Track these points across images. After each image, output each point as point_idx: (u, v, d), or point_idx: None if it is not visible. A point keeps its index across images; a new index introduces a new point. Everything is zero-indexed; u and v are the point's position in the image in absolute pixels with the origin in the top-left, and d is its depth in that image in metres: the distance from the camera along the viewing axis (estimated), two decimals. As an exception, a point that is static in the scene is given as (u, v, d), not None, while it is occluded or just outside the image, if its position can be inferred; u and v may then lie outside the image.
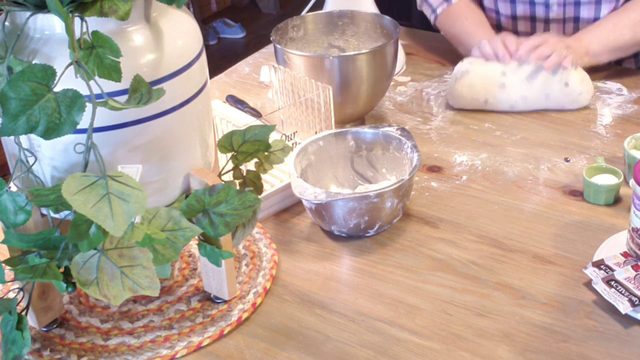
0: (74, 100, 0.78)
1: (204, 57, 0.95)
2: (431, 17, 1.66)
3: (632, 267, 1.01)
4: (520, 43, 1.42)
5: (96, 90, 0.80)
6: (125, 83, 0.82)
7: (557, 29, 1.59)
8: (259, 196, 0.99)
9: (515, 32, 1.63)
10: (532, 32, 1.62)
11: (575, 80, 1.41)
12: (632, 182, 1.02)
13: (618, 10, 1.51)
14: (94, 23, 0.81)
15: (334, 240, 1.16)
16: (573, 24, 1.57)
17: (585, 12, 1.55)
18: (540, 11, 1.58)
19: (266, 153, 1.04)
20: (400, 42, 1.57)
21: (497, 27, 1.65)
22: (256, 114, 1.47)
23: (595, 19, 1.55)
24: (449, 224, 1.17)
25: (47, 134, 0.77)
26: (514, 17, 1.62)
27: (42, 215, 0.95)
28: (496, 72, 1.42)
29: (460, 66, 1.45)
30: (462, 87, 1.44)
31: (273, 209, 1.22)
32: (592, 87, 1.44)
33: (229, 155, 1.02)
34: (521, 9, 1.60)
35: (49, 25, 0.83)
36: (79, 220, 0.79)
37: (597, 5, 1.54)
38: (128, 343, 0.99)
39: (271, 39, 1.41)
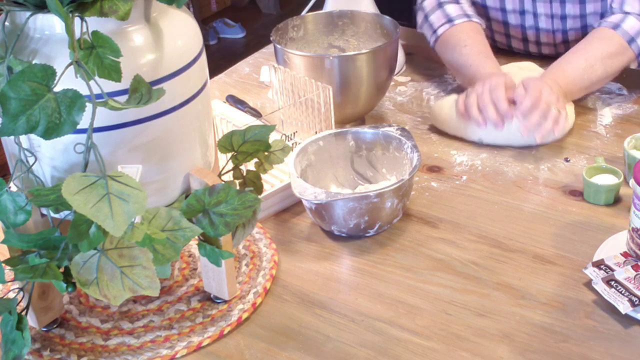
0: (74, 100, 0.78)
1: (204, 57, 0.95)
2: (431, 40, 1.58)
3: (632, 267, 1.01)
4: (503, 99, 1.32)
5: (96, 90, 0.80)
6: (125, 83, 0.82)
7: (547, 37, 1.58)
8: (259, 196, 0.99)
9: (507, 36, 1.63)
10: (522, 39, 1.62)
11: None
12: (632, 182, 1.02)
13: (584, 43, 1.45)
14: (94, 23, 0.81)
15: (334, 240, 1.16)
16: (562, 34, 1.56)
17: (571, 24, 1.54)
18: (529, 20, 1.57)
19: (266, 153, 1.04)
20: (400, 42, 1.56)
21: (487, 19, 1.63)
22: (256, 114, 1.47)
23: (583, 27, 1.54)
24: (449, 224, 1.17)
25: (47, 134, 0.77)
26: (505, 24, 1.61)
27: (42, 215, 0.95)
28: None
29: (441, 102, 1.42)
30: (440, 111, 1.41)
31: (273, 209, 1.22)
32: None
33: (229, 155, 1.02)
34: (512, 19, 1.58)
35: (49, 25, 0.83)
36: (79, 220, 0.79)
37: (582, 18, 1.53)
38: (128, 343, 0.99)
39: (271, 39, 1.41)
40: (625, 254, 1.04)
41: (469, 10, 1.56)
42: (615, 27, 1.44)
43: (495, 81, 1.34)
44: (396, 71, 1.62)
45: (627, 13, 1.45)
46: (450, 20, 1.53)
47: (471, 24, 1.53)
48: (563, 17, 1.54)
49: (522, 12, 1.57)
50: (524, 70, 1.47)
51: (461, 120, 1.36)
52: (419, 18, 1.62)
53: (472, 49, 1.48)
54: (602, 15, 1.52)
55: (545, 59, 1.54)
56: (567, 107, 1.37)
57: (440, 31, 1.54)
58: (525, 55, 1.64)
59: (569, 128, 1.37)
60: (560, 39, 1.59)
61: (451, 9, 1.54)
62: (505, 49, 1.67)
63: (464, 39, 1.50)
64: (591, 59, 1.41)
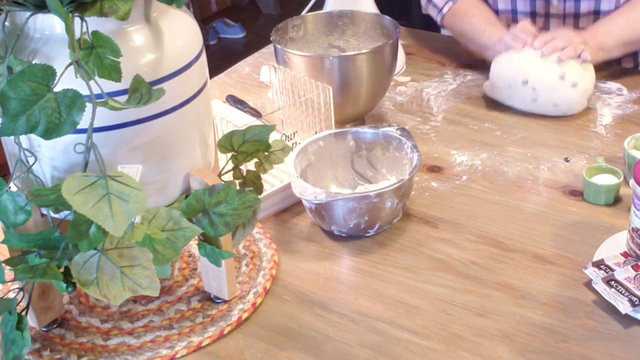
0: (74, 100, 0.78)
1: (204, 57, 0.95)
2: (438, 18, 1.67)
3: (632, 267, 1.01)
4: (536, 35, 1.44)
5: (96, 90, 0.80)
6: (125, 83, 0.82)
7: (557, 24, 1.58)
8: (259, 196, 0.99)
9: (514, 12, 1.63)
10: (531, 11, 1.62)
11: (585, 79, 1.42)
12: (632, 182, 1.02)
13: (628, 4, 1.50)
14: (94, 23, 0.81)
15: (334, 240, 1.16)
16: (573, 20, 1.57)
17: (585, 7, 1.55)
18: (540, 6, 1.58)
19: (266, 153, 1.04)
20: (400, 42, 1.57)
21: (496, 9, 1.65)
22: (256, 114, 1.47)
23: (595, 12, 1.55)
24: (449, 224, 1.17)
25: (47, 134, 0.77)
26: (514, 12, 1.62)
27: (42, 215, 0.95)
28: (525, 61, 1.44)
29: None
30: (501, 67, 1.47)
31: (273, 209, 1.22)
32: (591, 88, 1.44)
33: (229, 155, 1.02)
34: (521, 5, 1.60)
35: (49, 25, 0.83)
36: (79, 220, 0.79)
37: (596, 0, 1.54)
38: (128, 343, 0.99)
39: (271, 39, 1.41)
40: (625, 254, 1.04)
41: None
42: None
43: (520, 25, 1.46)
44: (396, 71, 1.62)
45: None
46: None
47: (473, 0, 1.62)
48: (576, 16, 1.55)
49: (534, 14, 1.59)
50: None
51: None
52: (423, 0, 1.70)
53: (481, 16, 1.58)
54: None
55: None
56: (587, 71, 1.42)
57: (445, 9, 1.64)
58: None
59: (591, 87, 1.43)
60: (571, 26, 1.58)
61: None
62: None
63: (471, 10, 1.60)
64: (632, 18, 1.47)
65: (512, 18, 1.63)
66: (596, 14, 1.56)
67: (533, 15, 1.60)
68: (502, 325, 0.98)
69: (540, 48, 1.40)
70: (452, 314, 1.00)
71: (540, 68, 1.41)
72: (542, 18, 1.60)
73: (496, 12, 1.64)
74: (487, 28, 1.55)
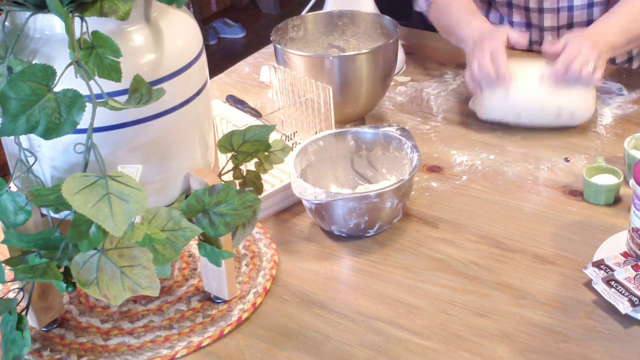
0: (74, 100, 0.78)
1: (204, 57, 0.95)
2: (425, 8, 1.63)
3: (632, 267, 1.01)
4: (507, 56, 1.34)
5: (96, 90, 0.80)
6: (125, 83, 0.82)
7: (551, 19, 1.57)
8: (259, 196, 0.99)
9: (510, 23, 1.62)
10: (525, 22, 1.61)
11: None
12: (632, 182, 1.02)
13: (623, 2, 1.46)
14: (94, 23, 0.81)
15: (334, 240, 1.16)
16: (567, 13, 1.56)
17: (579, 0, 1.54)
18: (533, 2, 1.56)
19: (266, 153, 1.04)
20: (400, 42, 1.56)
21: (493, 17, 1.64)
22: (256, 114, 1.47)
23: (589, 5, 1.53)
24: (449, 224, 1.17)
25: (47, 134, 0.77)
26: (509, 5, 1.61)
27: (42, 215, 0.95)
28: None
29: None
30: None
31: (273, 209, 1.22)
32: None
33: (229, 155, 1.02)
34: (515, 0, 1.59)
35: (49, 25, 0.83)
36: (79, 220, 0.79)
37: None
38: (128, 343, 0.99)
39: (271, 39, 1.41)
40: (625, 254, 1.04)
41: None
42: None
43: (494, 45, 1.35)
44: (396, 71, 1.62)
45: None
46: None
47: None
48: (570, 9, 1.54)
49: (527, 9, 1.58)
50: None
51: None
52: None
53: (460, 6, 1.52)
54: (609, 3, 1.52)
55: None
56: (589, 93, 1.36)
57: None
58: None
59: (591, 113, 1.38)
60: (565, 21, 1.58)
61: None
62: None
63: (451, 2, 1.54)
64: (633, 14, 1.42)
65: (506, 11, 1.62)
66: (589, 7, 1.55)
67: (527, 10, 1.59)
68: (502, 325, 0.98)
69: (559, 79, 1.33)
70: (452, 314, 1.00)
71: (534, 107, 1.36)
72: (536, 13, 1.59)
73: (491, 2, 1.64)
74: (463, 17, 1.49)
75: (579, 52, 1.32)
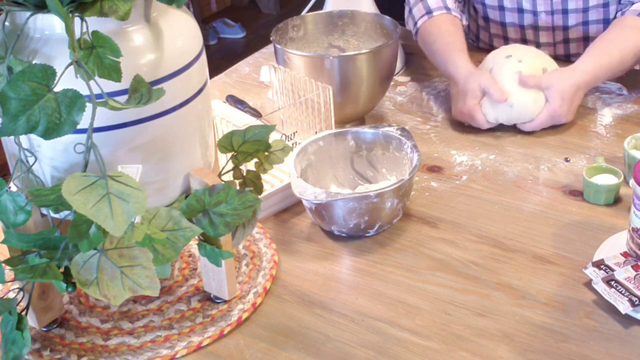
0: (74, 100, 0.78)
1: (204, 57, 0.95)
2: (413, 33, 1.60)
3: (632, 267, 1.01)
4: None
5: (96, 90, 0.80)
6: (125, 83, 0.82)
7: (546, 20, 1.57)
8: (259, 196, 0.99)
9: (503, 24, 1.62)
10: (522, 39, 1.62)
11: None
12: (632, 182, 1.02)
13: (616, 33, 1.44)
14: (94, 23, 0.81)
15: (334, 240, 1.16)
16: (562, 15, 1.56)
17: (573, 4, 1.53)
18: (527, 4, 1.56)
19: (266, 153, 1.04)
20: (400, 42, 1.56)
21: (485, 19, 1.64)
22: (256, 114, 1.47)
23: (584, 9, 1.53)
24: (449, 224, 1.17)
25: (47, 134, 0.77)
26: (501, 8, 1.61)
27: (42, 215, 0.95)
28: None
29: None
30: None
31: (273, 209, 1.22)
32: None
33: (229, 155, 1.02)
34: (508, 1, 1.58)
35: (49, 25, 0.83)
36: (79, 220, 0.79)
37: (584, 13, 1.53)
38: (128, 343, 0.99)
39: (271, 39, 1.41)
40: (625, 254, 1.04)
41: (451, 3, 1.56)
42: None
43: (484, 79, 1.36)
44: (396, 71, 1.62)
45: None
46: (429, 12, 1.55)
47: (448, 17, 1.54)
48: (565, 12, 1.54)
49: (521, 11, 1.57)
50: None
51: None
52: (405, 12, 1.63)
53: (439, 45, 1.48)
54: (605, 6, 1.52)
55: None
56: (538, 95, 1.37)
57: (419, 23, 1.56)
58: None
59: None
60: (561, 38, 1.59)
61: (432, 1, 1.55)
62: None
63: (435, 34, 1.51)
64: (625, 51, 1.42)
65: (499, 18, 1.62)
66: (585, 25, 1.55)
67: (522, 28, 1.59)
68: (502, 325, 0.98)
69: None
70: (452, 314, 1.00)
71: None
72: (531, 30, 1.60)
73: (486, 19, 1.64)
74: (449, 56, 1.45)
75: (558, 116, 1.36)
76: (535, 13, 1.56)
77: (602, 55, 1.41)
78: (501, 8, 1.59)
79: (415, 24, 1.57)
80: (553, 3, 1.53)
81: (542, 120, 1.36)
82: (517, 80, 1.36)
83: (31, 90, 0.76)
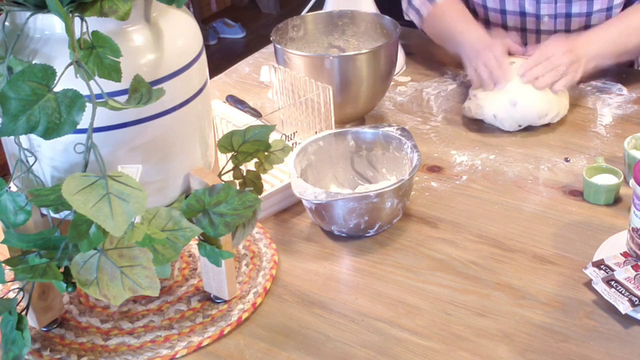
0: (74, 100, 0.78)
1: (204, 57, 0.95)
2: (418, 22, 1.64)
3: (632, 267, 1.01)
4: (506, 58, 1.40)
5: (96, 90, 0.80)
6: (125, 83, 0.82)
7: (548, 24, 1.57)
8: (259, 196, 0.99)
9: (505, 27, 1.62)
10: (521, 28, 1.62)
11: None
12: (632, 182, 1.02)
13: (624, 13, 1.49)
14: (94, 23, 0.81)
15: (334, 240, 1.16)
16: (564, 19, 1.56)
17: (577, 8, 1.54)
18: (530, 7, 1.56)
19: (266, 153, 1.04)
20: (400, 42, 1.56)
21: (486, 22, 1.64)
22: (256, 114, 1.47)
23: (588, 14, 1.54)
24: (449, 224, 1.17)
25: (47, 134, 0.77)
26: (502, 12, 1.61)
27: (42, 215, 0.95)
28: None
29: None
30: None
31: (273, 209, 1.22)
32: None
33: (229, 155, 1.02)
34: (510, 5, 1.58)
35: (49, 25, 0.83)
36: (79, 220, 0.79)
37: (587, 17, 1.53)
38: (128, 343, 0.99)
39: (271, 39, 1.41)
40: (625, 254, 1.04)
41: None
42: None
43: (498, 52, 1.41)
44: (396, 71, 1.62)
45: None
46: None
47: (452, 1, 1.59)
48: (568, 16, 1.54)
49: (523, 14, 1.57)
50: None
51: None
52: (403, 4, 1.68)
53: (457, 16, 1.55)
54: (609, 10, 1.52)
55: None
56: (562, 96, 1.40)
57: (424, 11, 1.60)
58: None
59: (562, 114, 1.40)
60: None
61: None
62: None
63: (448, 11, 1.57)
64: (629, 28, 1.45)
65: (501, 21, 1.62)
66: (587, 29, 1.55)
67: (522, 15, 1.59)
68: (502, 325, 0.98)
69: (523, 75, 1.37)
70: (452, 314, 1.00)
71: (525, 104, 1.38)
72: (533, 18, 1.59)
73: (487, 23, 1.64)
74: (462, 26, 1.52)
75: (551, 54, 1.38)
76: (538, 17, 1.56)
77: (604, 27, 1.47)
78: (503, 12, 1.59)
79: (419, 12, 1.61)
80: (557, 7, 1.53)
81: (533, 58, 1.39)
82: (520, 80, 1.36)
83: (31, 90, 0.76)
